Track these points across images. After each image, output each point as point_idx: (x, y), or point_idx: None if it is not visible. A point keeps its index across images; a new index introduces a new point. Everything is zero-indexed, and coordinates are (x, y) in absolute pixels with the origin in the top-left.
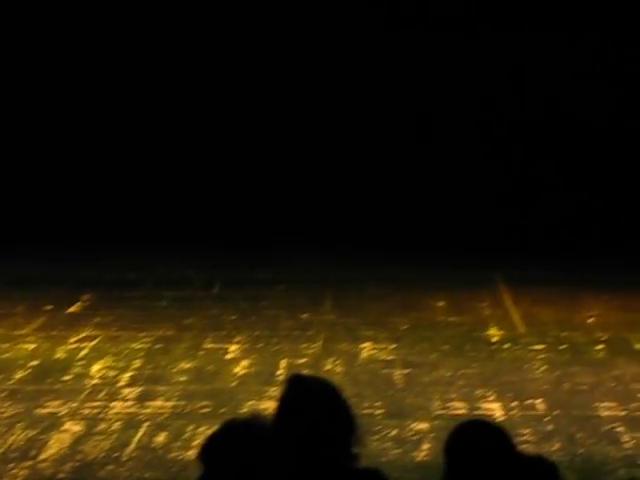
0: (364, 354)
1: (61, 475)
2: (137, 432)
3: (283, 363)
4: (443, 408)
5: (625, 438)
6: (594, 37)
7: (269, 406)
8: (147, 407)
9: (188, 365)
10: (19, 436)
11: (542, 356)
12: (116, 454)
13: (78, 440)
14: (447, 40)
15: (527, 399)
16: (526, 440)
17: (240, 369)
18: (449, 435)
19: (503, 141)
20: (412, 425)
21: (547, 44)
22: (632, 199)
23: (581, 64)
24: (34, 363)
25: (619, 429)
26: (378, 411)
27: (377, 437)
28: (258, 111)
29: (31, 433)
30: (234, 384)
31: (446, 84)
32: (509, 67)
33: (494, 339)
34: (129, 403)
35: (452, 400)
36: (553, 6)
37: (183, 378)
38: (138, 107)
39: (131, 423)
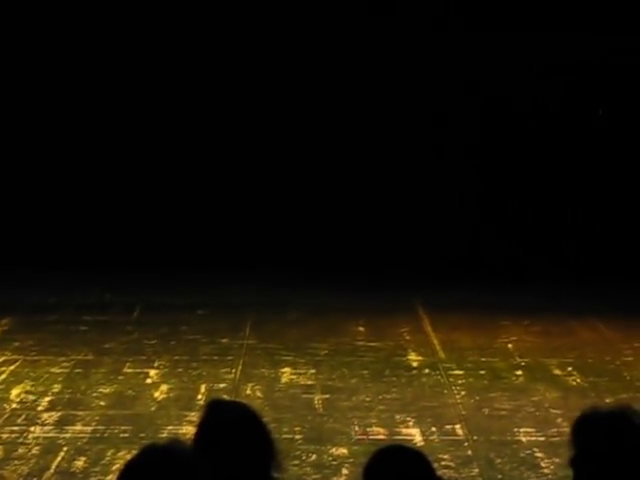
0: (284, 379)
1: None
2: (56, 457)
3: (203, 388)
4: (362, 433)
5: (544, 463)
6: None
7: (189, 431)
8: (66, 432)
9: (108, 390)
10: None
11: (461, 381)
12: (35, 479)
13: None
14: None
15: (446, 424)
16: (446, 465)
17: (160, 394)
18: (368, 460)
19: (413, 164)
20: (332, 450)
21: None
22: (554, 224)
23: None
24: None
25: (538, 454)
26: (298, 436)
27: (297, 462)
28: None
29: None
30: (154, 409)
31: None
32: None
33: (414, 364)
34: (48, 427)
35: (372, 425)
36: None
37: (103, 402)
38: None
39: (50, 448)
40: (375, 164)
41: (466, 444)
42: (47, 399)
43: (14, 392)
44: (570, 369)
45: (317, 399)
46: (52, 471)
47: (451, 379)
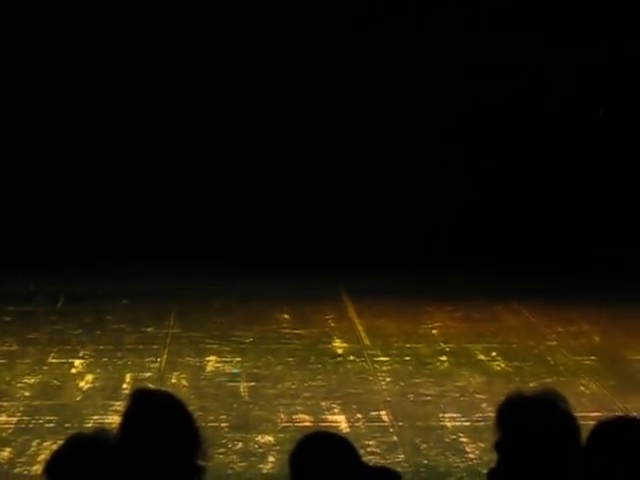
0: (209, 367)
1: None
2: None
3: (128, 377)
4: (288, 420)
5: (469, 448)
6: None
7: (114, 420)
8: None
9: (32, 380)
10: None
11: (386, 368)
12: None
13: None
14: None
15: (372, 410)
16: (371, 451)
17: (85, 383)
18: (294, 447)
19: (339, 147)
20: (257, 438)
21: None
22: (476, 203)
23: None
24: None
25: (463, 439)
26: (223, 424)
27: (223, 450)
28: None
29: None
30: (79, 398)
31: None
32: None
33: (339, 351)
34: None
35: (297, 412)
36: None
37: (27, 393)
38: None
39: None
40: (296, 150)
41: (392, 430)
42: None
43: None
44: (494, 354)
45: (242, 387)
46: None
47: (376, 365)
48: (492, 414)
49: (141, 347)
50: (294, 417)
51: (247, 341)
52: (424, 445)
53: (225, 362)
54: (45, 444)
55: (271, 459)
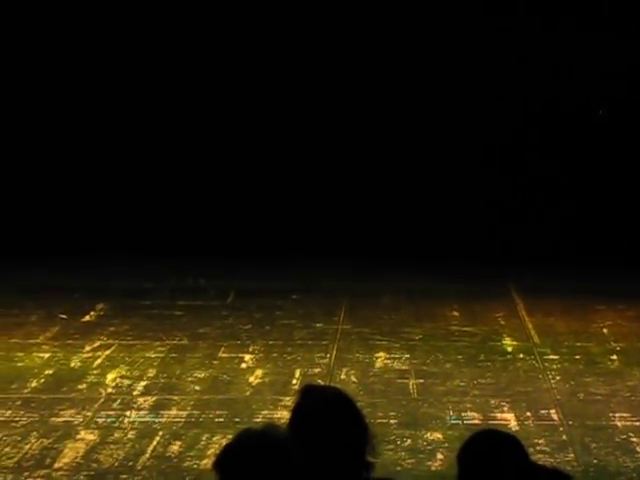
0: (378, 364)
1: None
2: (152, 441)
3: (297, 373)
4: (457, 418)
5: (639, 448)
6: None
7: (283, 415)
8: (162, 416)
9: (203, 374)
10: (34, 445)
11: (556, 366)
12: (130, 463)
13: (93, 449)
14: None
15: (541, 409)
16: (540, 450)
17: (254, 378)
18: (462, 445)
19: (503, 149)
20: (426, 435)
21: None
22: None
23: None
24: (49, 372)
25: (634, 439)
26: (392, 421)
27: (391, 447)
28: None
29: (46, 442)
30: (248, 393)
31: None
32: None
33: (508, 349)
34: (144, 412)
35: (466, 410)
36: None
37: (198, 387)
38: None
39: (146, 432)
40: (447, 151)
41: (561, 429)
42: (142, 384)
43: (110, 377)
44: None
45: (412, 384)
46: (148, 455)
47: (546, 364)
48: None
49: (310, 343)
50: (463, 414)
51: (416, 338)
52: (594, 444)
53: (394, 359)
54: (215, 438)
55: (440, 456)
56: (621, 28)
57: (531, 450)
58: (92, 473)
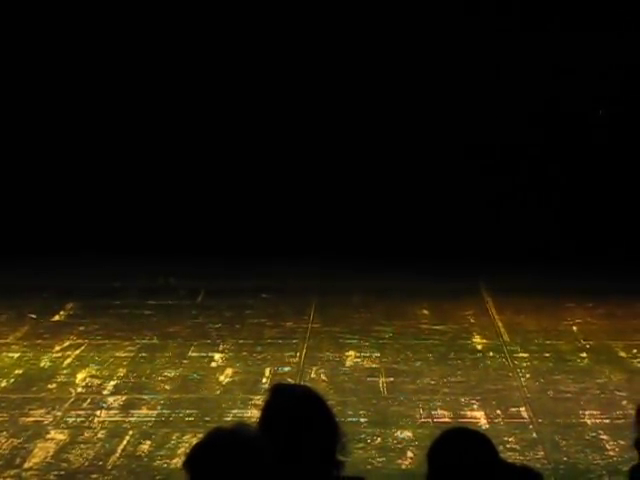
0: (348, 362)
1: None
2: (122, 440)
3: (267, 371)
4: (427, 416)
5: (610, 445)
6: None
7: (254, 414)
8: (132, 415)
9: (173, 373)
10: (3, 445)
11: (526, 364)
12: (101, 463)
13: (63, 449)
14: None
15: (511, 407)
16: (510, 448)
17: (225, 377)
18: (432, 443)
19: (482, 148)
20: (396, 433)
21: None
22: (616, 204)
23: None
24: (18, 372)
25: (603, 436)
26: (362, 419)
27: (361, 445)
28: None
29: (16, 442)
30: (219, 392)
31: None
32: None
33: (478, 347)
34: (114, 411)
35: (436, 408)
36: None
37: (168, 386)
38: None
39: (116, 431)
40: (435, 150)
41: (531, 427)
42: (112, 383)
43: (79, 376)
44: (635, 351)
45: (382, 382)
46: (118, 455)
47: (516, 362)
48: (632, 412)
49: (280, 341)
50: (433, 413)
51: (386, 336)
52: (564, 442)
53: (364, 357)
54: (185, 437)
55: (410, 455)
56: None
57: (501, 448)
58: (62, 473)
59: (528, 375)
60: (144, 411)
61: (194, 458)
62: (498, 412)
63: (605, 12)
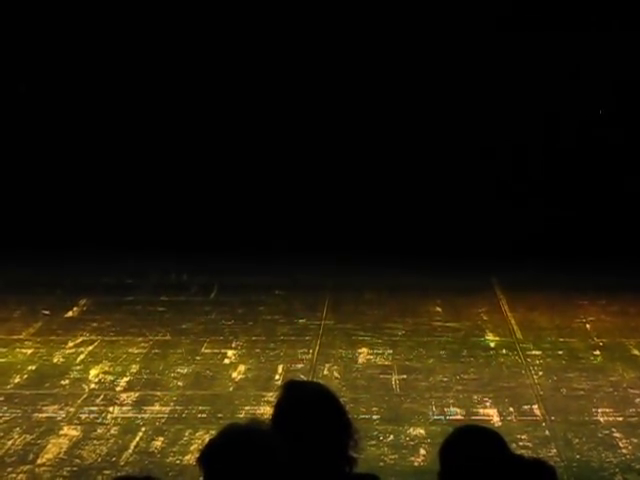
0: (361, 359)
1: None
2: (134, 437)
3: (280, 368)
4: (440, 413)
5: (622, 443)
6: None
7: (266, 411)
8: (145, 412)
9: (185, 370)
10: (17, 440)
11: (539, 362)
12: (113, 459)
13: (76, 445)
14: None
15: (524, 404)
16: (523, 445)
17: (237, 374)
18: (445, 440)
19: (493, 148)
20: (409, 430)
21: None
22: (631, 200)
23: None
24: (31, 368)
25: (616, 434)
26: (375, 416)
27: (374, 442)
28: None
29: (29, 437)
30: (231, 389)
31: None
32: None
33: (491, 345)
34: (126, 408)
35: (449, 406)
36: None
37: (180, 383)
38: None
39: (128, 428)
40: (439, 148)
41: (544, 424)
42: (125, 379)
43: (92, 372)
44: None
45: (394, 379)
46: (130, 451)
47: (529, 359)
48: None
49: (293, 338)
50: (446, 410)
51: (399, 333)
52: (576, 440)
53: (377, 354)
54: (197, 434)
55: (422, 452)
56: (621, 26)
57: (514, 446)
58: (75, 469)
59: (541, 373)
60: (157, 407)
61: (209, 454)
62: (511, 410)
63: (605, 12)
